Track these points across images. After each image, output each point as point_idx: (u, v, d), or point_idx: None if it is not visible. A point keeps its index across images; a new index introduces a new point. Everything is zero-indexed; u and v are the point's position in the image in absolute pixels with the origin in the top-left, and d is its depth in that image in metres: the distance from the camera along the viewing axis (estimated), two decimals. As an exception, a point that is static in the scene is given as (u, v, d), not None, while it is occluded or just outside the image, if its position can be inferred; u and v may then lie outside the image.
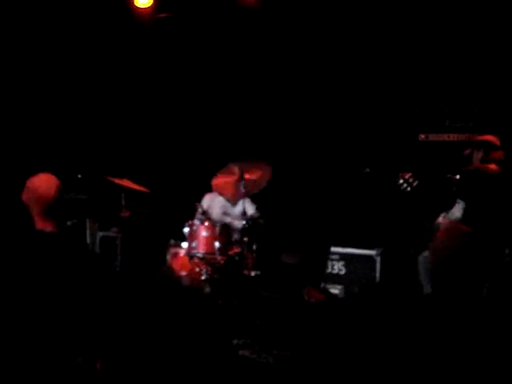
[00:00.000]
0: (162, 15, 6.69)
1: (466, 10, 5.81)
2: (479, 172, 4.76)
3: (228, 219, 5.86)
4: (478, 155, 4.88)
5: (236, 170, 5.57)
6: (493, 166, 4.79)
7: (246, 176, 5.53)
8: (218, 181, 5.74)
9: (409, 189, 4.85)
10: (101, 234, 6.38)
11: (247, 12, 6.29)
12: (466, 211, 4.59)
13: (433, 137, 5.92)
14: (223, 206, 5.96)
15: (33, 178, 2.68)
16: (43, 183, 2.63)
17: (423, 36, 6.00)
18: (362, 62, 6.31)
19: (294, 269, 3.85)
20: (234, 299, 4.80)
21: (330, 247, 4.92)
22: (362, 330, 2.28)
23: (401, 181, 4.98)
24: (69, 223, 5.71)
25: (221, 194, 5.90)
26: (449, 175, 5.75)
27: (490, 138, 4.91)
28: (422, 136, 5.98)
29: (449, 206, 5.58)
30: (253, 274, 5.35)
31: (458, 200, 4.81)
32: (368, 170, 6.01)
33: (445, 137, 5.93)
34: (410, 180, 4.87)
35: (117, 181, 5.77)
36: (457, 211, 4.76)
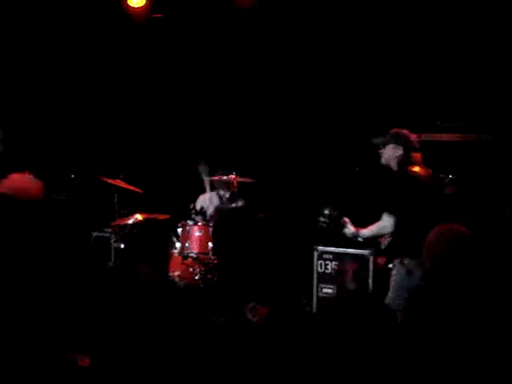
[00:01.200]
0: (156, 15, 6.69)
1: (456, 11, 5.84)
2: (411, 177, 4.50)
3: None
4: (395, 151, 4.61)
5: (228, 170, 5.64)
6: (420, 171, 4.57)
7: (239, 178, 5.59)
8: (213, 179, 5.79)
9: (328, 225, 4.76)
10: (94, 234, 6.39)
11: (243, 12, 6.31)
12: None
13: (424, 136, 5.93)
14: (218, 205, 6.03)
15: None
16: None
17: (414, 37, 6.02)
18: (354, 63, 6.33)
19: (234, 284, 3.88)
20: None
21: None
22: (353, 331, 2.29)
23: (321, 219, 4.91)
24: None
25: (219, 188, 5.98)
26: (440, 175, 5.79)
27: (408, 133, 4.70)
28: (414, 136, 5.99)
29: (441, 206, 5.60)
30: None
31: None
32: (358, 169, 6.04)
33: (436, 136, 5.95)
34: (331, 214, 4.78)
35: (110, 181, 5.80)
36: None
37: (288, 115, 6.63)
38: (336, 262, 5.72)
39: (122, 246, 5.91)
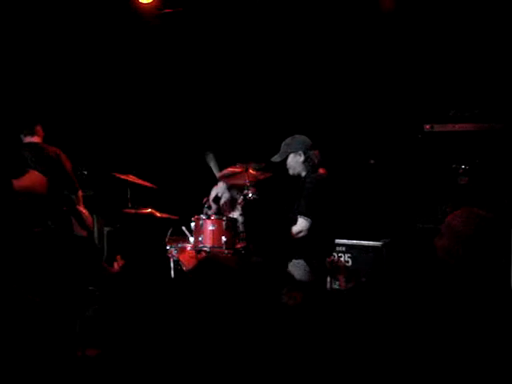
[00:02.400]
0: (165, 11, 6.69)
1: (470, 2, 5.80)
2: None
3: (236, 214, 5.89)
4: (298, 158, 4.62)
5: (242, 164, 5.59)
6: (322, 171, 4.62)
7: (251, 171, 5.55)
8: (224, 171, 5.76)
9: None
10: (107, 229, 6.41)
11: (251, 6, 6.29)
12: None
13: (438, 127, 5.89)
14: (229, 196, 6.00)
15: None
16: None
17: (426, 26, 5.98)
18: (366, 52, 6.30)
19: (265, 269, 3.89)
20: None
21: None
22: (366, 324, 2.28)
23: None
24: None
25: (226, 182, 5.93)
26: (454, 165, 5.75)
27: (300, 136, 4.71)
28: (427, 126, 5.95)
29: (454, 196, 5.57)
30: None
31: None
32: (373, 161, 6.02)
33: (450, 127, 5.91)
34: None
35: (122, 176, 5.80)
36: None
37: (301, 107, 6.61)
38: (349, 254, 5.73)
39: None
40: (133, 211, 5.79)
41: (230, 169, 5.66)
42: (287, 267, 4.56)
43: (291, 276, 4.39)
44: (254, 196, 5.56)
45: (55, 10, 6.53)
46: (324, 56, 6.50)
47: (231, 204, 6.07)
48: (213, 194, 6.00)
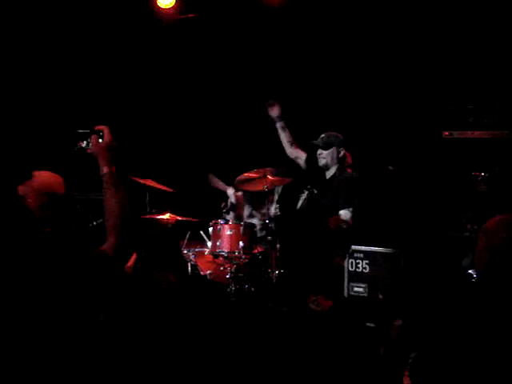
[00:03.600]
0: (185, 16, 6.72)
1: (489, 5, 5.77)
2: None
3: (254, 220, 5.93)
4: (338, 153, 4.88)
5: (259, 170, 5.61)
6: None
7: (269, 177, 5.56)
8: (241, 176, 5.78)
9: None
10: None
11: (271, 13, 6.30)
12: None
13: (457, 134, 5.86)
14: (248, 208, 6.05)
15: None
16: None
17: (446, 32, 5.96)
18: (385, 58, 6.29)
19: (297, 276, 3.93)
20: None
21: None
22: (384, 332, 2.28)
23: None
24: (94, 223, 5.78)
25: (242, 188, 5.95)
26: (473, 173, 5.72)
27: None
28: (446, 133, 5.93)
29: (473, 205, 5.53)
30: (276, 272, 5.38)
31: None
32: (391, 167, 5.99)
33: (469, 134, 5.87)
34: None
35: (141, 181, 5.84)
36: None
37: (320, 113, 6.61)
38: (367, 261, 5.70)
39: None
40: (151, 215, 5.83)
41: (246, 174, 5.68)
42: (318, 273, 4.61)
43: (320, 282, 4.44)
44: (278, 211, 5.60)
45: (76, 13, 6.58)
46: (343, 62, 6.49)
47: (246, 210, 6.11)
48: (230, 199, 6.04)
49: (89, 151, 2.50)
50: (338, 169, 4.87)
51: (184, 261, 5.57)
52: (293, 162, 5.76)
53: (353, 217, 4.63)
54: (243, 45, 6.81)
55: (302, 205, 4.98)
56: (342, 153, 4.83)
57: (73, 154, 2.52)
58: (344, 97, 6.55)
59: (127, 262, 4.12)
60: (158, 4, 6.61)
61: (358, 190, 4.72)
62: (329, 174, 4.87)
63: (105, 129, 2.49)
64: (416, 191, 6.03)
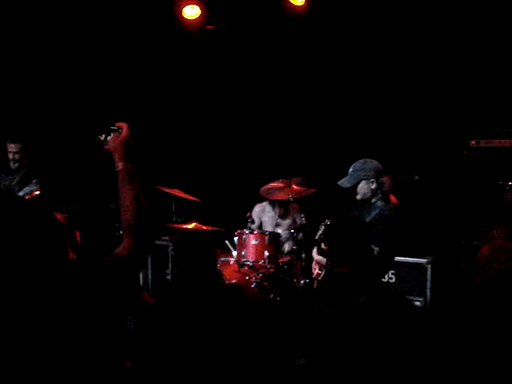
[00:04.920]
0: (210, 27, 6.77)
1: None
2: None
3: (279, 230, 5.94)
4: (369, 185, 4.29)
5: (284, 180, 5.61)
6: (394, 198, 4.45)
7: (294, 187, 5.57)
8: (266, 186, 5.78)
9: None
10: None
11: (296, 24, 6.32)
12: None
13: (484, 143, 5.82)
14: (273, 217, 6.06)
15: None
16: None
17: (473, 41, 5.92)
18: (412, 67, 6.27)
19: (347, 279, 3.82)
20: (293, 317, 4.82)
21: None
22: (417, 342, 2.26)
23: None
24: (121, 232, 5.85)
25: (268, 197, 5.96)
26: (500, 182, 5.67)
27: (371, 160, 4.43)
28: (473, 142, 5.89)
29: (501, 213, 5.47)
30: (302, 282, 5.38)
31: None
32: (417, 177, 5.97)
33: (496, 142, 5.82)
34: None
35: (167, 190, 5.90)
36: None
37: (345, 122, 6.62)
38: (392, 271, 5.67)
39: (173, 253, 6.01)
40: (177, 225, 5.88)
41: (272, 184, 5.69)
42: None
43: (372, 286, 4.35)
44: (303, 220, 5.59)
45: (105, 22, 6.67)
46: (369, 73, 6.49)
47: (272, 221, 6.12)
48: (254, 215, 6.05)
49: (106, 147, 2.51)
50: (378, 199, 4.38)
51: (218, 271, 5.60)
52: (317, 173, 5.77)
53: (378, 256, 4.34)
54: (269, 55, 6.84)
55: (319, 236, 4.79)
56: (374, 185, 4.31)
57: (90, 147, 2.52)
58: (371, 107, 6.54)
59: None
60: (184, 15, 6.67)
61: (393, 229, 4.24)
62: (372, 202, 4.52)
63: (124, 125, 2.49)
64: (442, 200, 5.99)
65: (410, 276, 5.55)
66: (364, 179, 4.30)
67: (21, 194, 5.62)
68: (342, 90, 6.64)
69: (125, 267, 2.30)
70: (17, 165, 5.95)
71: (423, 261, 5.51)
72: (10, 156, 5.96)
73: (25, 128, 6.39)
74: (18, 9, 6.23)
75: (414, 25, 6.02)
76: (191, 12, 6.65)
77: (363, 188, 4.33)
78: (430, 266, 5.49)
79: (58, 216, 2.59)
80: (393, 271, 5.58)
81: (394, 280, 5.61)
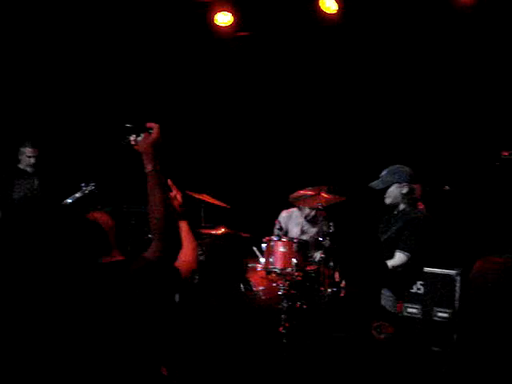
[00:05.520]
0: (242, 33, 6.80)
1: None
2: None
3: (305, 237, 5.93)
4: (400, 189, 4.47)
5: (314, 188, 5.61)
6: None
7: (323, 194, 5.55)
8: (296, 193, 5.79)
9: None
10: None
11: (328, 31, 6.32)
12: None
13: (517, 153, 5.73)
14: (301, 224, 6.05)
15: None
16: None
17: (502, 52, 5.87)
18: (444, 78, 6.23)
19: (358, 299, 3.84)
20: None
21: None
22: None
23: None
24: (150, 236, 5.90)
25: (296, 204, 5.95)
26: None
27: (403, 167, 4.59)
28: (505, 153, 5.80)
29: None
30: (329, 291, 5.36)
31: None
32: (448, 187, 5.90)
33: (530, 153, 5.73)
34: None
35: (196, 195, 5.94)
36: None
37: (376, 131, 6.59)
38: (421, 282, 5.61)
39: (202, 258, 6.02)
40: (206, 230, 5.91)
41: (301, 192, 5.69)
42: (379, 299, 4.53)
43: (382, 308, 4.36)
44: (331, 228, 5.57)
45: (138, 27, 6.74)
46: (402, 82, 6.47)
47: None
48: (281, 221, 6.05)
49: (136, 148, 2.53)
50: (406, 205, 4.51)
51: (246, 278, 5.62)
52: (347, 181, 5.75)
53: (408, 262, 4.39)
54: (300, 62, 6.84)
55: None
56: (405, 189, 4.45)
57: (121, 148, 2.54)
58: (404, 116, 6.51)
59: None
60: (216, 22, 6.72)
61: (422, 233, 4.38)
62: (399, 208, 4.60)
63: (155, 126, 2.52)
64: (473, 211, 5.93)
65: (439, 287, 5.49)
66: (396, 183, 4.41)
67: (70, 200, 5.66)
68: (375, 99, 6.62)
69: (153, 270, 2.33)
70: (34, 169, 6.01)
71: (453, 272, 5.44)
72: (30, 160, 6.00)
73: (42, 131, 6.45)
74: (40, 10, 6.29)
75: (448, 34, 5.99)
76: (223, 19, 6.71)
77: (394, 192, 4.44)
78: (459, 277, 5.42)
79: (98, 215, 2.59)
80: (422, 282, 5.52)
81: (422, 291, 5.55)
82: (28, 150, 6.01)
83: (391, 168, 4.51)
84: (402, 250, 4.40)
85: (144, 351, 2.22)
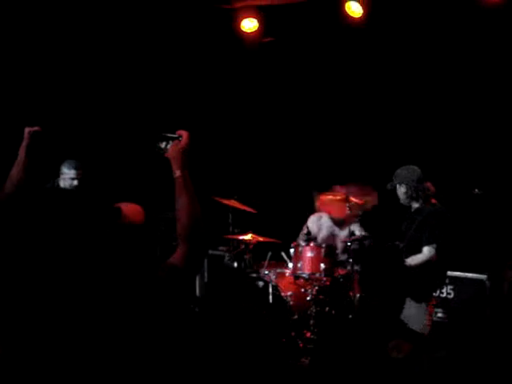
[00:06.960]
0: (268, 39, 6.82)
1: None
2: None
3: (335, 241, 5.91)
4: (401, 189, 4.85)
5: (341, 191, 5.60)
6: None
7: (352, 199, 5.53)
8: (323, 199, 5.78)
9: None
10: (209, 252, 6.56)
11: (354, 35, 6.31)
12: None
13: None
14: (330, 227, 6.02)
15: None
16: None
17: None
18: (473, 79, 6.19)
19: (376, 312, 3.87)
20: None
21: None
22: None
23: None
24: None
25: (325, 211, 5.94)
26: None
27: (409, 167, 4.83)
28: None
29: None
30: (357, 296, 5.34)
31: None
32: (477, 190, 5.84)
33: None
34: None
35: (224, 201, 5.96)
36: None
37: (405, 133, 6.57)
38: (451, 286, 5.57)
39: (235, 264, 6.04)
40: (234, 236, 5.94)
41: (329, 197, 5.68)
42: (401, 313, 4.59)
43: (403, 324, 4.40)
44: (362, 233, 5.55)
45: (165, 35, 6.79)
46: (430, 84, 6.43)
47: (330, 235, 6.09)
48: (309, 225, 6.04)
49: (166, 155, 2.57)
50: (421, 202, 4.80)
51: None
52: (374, 180, 5.75)
53: (437, 253, 4.55)
54: (326, 66, 6.84)
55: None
56: (403, 189, 4.81)
57: (151, 155, 2.57)
58: (433, 119, 6.48)
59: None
60: (242, 28, 6.75)
61: (444, 224, 4.60)
62: (414, 207, 4.87)
63: (184, 133, 2.55)
64: (503, 215, 5.86)
65: (469, 291, 5.45)
66: (397, 183, 4.80)
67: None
68: (403, 101, 6.59)
69: (179, 275, 2.36)
70: (75, 190, 5.35)
71: (483, 277, 5.40)
72: (73, 183, 5.30)
73: (83, 144, 6.26)
74: (73, 15, 6.33)
75: (474, 38, 5.94)
76: (249, 25, 6.73)
77: (399, 192, 4.81)
78: (489, 282, 5.37)
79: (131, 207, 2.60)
80: (451, 286, 5.50)
81: (452, 296, 5.52)
82: (71, 173, 5.31)
83: (397, 170, 4.85)
84: (428, 243, 4.60)
85: (159, 355, 2.24)
